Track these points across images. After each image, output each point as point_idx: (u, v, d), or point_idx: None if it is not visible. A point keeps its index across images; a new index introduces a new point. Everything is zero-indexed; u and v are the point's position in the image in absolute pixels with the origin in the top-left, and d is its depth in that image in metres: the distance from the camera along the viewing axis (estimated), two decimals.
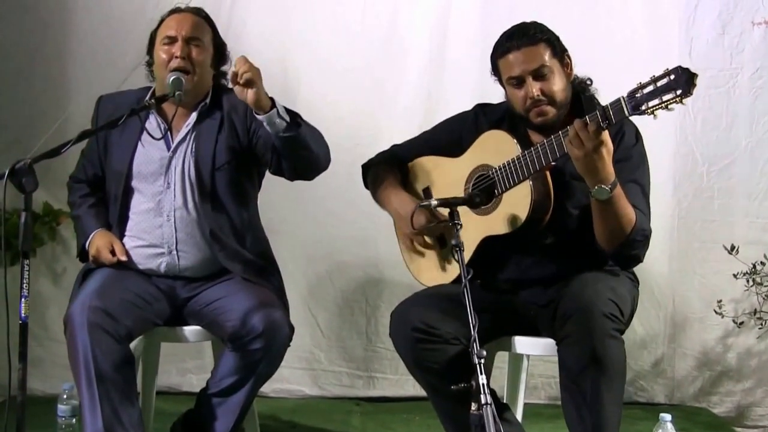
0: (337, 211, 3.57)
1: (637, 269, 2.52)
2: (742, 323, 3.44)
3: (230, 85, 2.42)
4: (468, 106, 2.69)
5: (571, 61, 2.47)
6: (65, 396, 2.57)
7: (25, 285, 2.01)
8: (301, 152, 2.43)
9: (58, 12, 3.52)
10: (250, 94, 2.31)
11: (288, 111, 2.39)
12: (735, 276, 3.37)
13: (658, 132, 3.14)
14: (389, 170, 2.71)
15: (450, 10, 3.58)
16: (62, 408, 2.56)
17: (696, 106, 3.48)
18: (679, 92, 2.01)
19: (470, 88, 3.30)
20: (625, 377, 2.29)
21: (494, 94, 2.59)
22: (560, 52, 2.43)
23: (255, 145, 2.60)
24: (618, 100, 2.13)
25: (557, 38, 2.45)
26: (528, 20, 2.49)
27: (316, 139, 2.47)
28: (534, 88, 2.38)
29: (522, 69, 2.39)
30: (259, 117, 2.36)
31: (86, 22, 3.53)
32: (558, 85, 2.40)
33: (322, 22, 3.59)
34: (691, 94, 2.02)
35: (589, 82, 2.52)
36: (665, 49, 3.50)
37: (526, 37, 2.40)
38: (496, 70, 2.49)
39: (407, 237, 2.65)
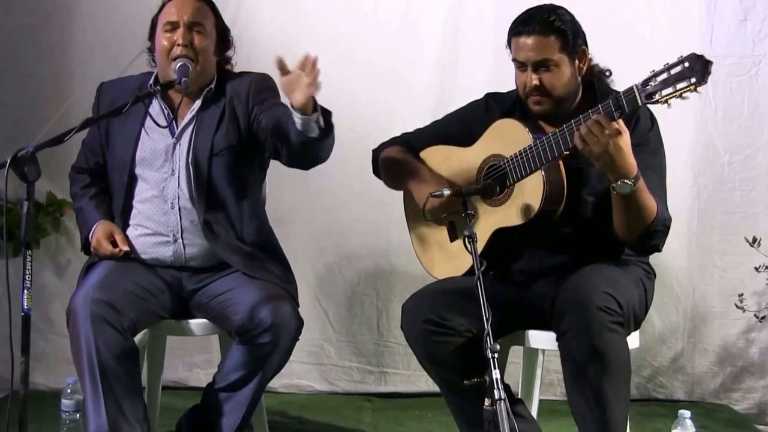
0: (348, 200, 3.52)
1: (655, 262, 2.48)
2: (764, 317, 3.37)
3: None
4: (482, 92, 2.65)
5: (587, 55, 2.40)
6: (69, 391, 2.53)
7: (27, 276, 1.97)
8: (314, 151, 2.37)
9: None
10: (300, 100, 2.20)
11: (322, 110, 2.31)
12: (757, 269, 3.30)
13: (678, 121, 3.09)
14: (403, 151, 2.65)
15: None
16: (66, 403, 2.53)
17: (717, 95, 3.42)
18: (693, 80, 1.97)
19: (485, 73, 3.27)
20: (628, 371, 2.24)
21: (509, 78, 2.52)
22: (573, 46, 2.35)
23: (256, 130, 2.54)
24: (631, 89, 2.09)
25: (576, 31, 2.37)
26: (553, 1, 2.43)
27: (332, 140, 2.40)
28: (532, 77, 2.35)
29: (526, 56, 2.36)
30: (296, 117, 2.26)
31: (90, 8, 3.50)
32: (561, 80, 2.35)
33: (335, 6, 3.53)
34: (706, 82, 1.97)
35: (608, 74, 2.47)
36: (686, 35, 3.43)
37: (541, 24, 2.34)
38: (509, 45, 2.44)
39: (419, 225, 2.59)
